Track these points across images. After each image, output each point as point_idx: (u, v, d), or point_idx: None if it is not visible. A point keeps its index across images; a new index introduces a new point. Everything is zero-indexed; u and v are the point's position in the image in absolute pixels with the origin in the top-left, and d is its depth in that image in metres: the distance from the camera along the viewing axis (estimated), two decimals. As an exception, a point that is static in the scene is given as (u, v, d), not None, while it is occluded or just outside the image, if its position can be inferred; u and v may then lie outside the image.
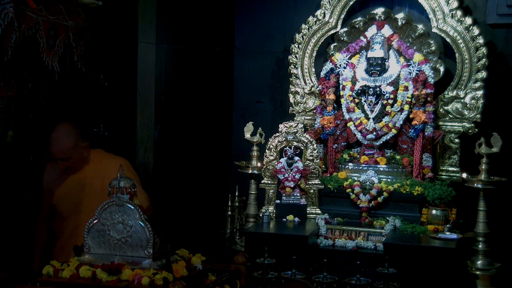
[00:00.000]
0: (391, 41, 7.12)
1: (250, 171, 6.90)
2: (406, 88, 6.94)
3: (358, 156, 7.13)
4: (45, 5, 4.98)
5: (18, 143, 6.18)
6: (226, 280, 4.20)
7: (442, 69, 7.14)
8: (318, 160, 6.88)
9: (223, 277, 4.21)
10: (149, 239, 4.00)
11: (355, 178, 6.86)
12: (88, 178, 5.33)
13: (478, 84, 7.03)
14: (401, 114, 6.97)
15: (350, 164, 7.06)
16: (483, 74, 7.00)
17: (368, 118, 7.04)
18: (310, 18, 7.49)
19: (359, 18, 7.35)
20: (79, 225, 5.20)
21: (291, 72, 7.59)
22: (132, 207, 4.02)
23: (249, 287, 4.37)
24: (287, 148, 6.89)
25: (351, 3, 7.41)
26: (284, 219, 6.72)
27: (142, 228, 4.00)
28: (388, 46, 7.12)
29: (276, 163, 6.89)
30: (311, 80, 7.54)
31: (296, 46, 7.55)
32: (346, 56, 7.25)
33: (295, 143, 6.88)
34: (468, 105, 7.07)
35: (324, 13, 7.45)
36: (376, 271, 5.62)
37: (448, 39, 7.10)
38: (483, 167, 6.35)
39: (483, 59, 6.97)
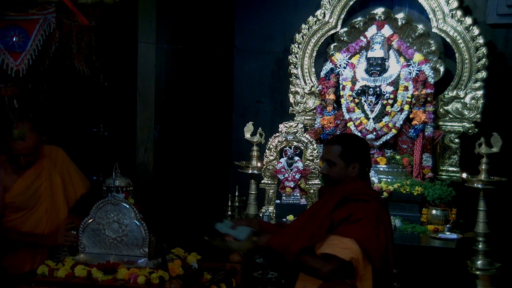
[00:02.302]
0: (391, 41, 7.11)
1: (250, 171, 6.89)
2: (406, 88, 6.94)
3: (358, 156, 7.10)
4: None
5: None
6: (221, 279, 4.19)
7: (442, 69, 7.13)
8: (318, 160, 6.87)
9: (218, 276, 4.21)
10: (144, 238, 3.99)
11: (355, 178, 6.85)
12: (45, 170, 5.42)
13: (478, 84, 7.02)
14: (401, 114, 6.97)
15: (350, 164, 7.04)
16: (483, 74, 6.99)
17: (368, 118, 7.04)
18: (310, 18, 7.49)
19: (359, 18, 7.35)
20: (42, 217, 5.29)
21: (291, 72, 7.60)
22: (128, 206, 4.01)
23: (245, 286, 4.36)
24: (287, 148, 6.88)
25: (351, 3, 7.41)
26: (284, 219, 6.71)
27: (138, 227, 3.99)
28: (388, 46, 7.12)
29: (276, 163, 6.88)
30: (311, 80, 7.54)
31: (296, 46, 7.55)
32: (346, 56, 7.25)
33: (295, 143, 6.88)
34: (468, 105, 7.05)
35: (324, 13, 7.45)
36: (376, 271, 5.60)
37: (448, 39, 7.09)
38: (483, 167, 6.34)
39: (483, 59, 6.96)
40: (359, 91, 7.12)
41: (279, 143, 6.92)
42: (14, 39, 3.68)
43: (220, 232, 4.38)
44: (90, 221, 4.05)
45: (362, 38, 7.25)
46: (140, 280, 3.89)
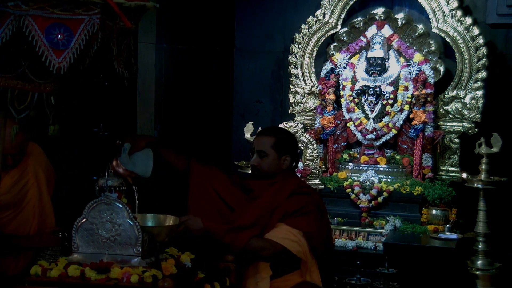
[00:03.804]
0: (391, 41, 7.11)
1: (250, 171, 6.87)
2: (406, 88, 6.93)
3: (358, 156, 7.12)
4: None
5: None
6: (215, 278, 4.19)
7: (442, 69, 7.12)
8: (318, 160, 6.86)
9: (212, 275, 4.20)
10: (137, 237, 3.98)
11: (355, 178, 6.86)
12: (30, 167, 5.42)
13: (478, 84, 7.01)
14: (401, 114, 6.96)
15: (350, 164, 7.06)
16: (483, 74, 6.98)
17: (368, 118, 7.04)
18: (310, 18, 7.49)
19: (359, 18, 7.35)
20: (30, 213, 5.29)
21: (291, 72, 7.60)
22: (121, 206, 4.00)
23: (240, 285, 4.35)
24: (287, 148, 6.87)
25: (351, 3, 7.41)
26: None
27: (131, 226, 3.98)
28: (388, 46, 7.11)
29: (275, 163, 6.87)
30: (311, 80, 7.54)
31: (296, 46, 7.55)
32: (346, 56, 7.25)
33: (295, 143, 6.87)
34: (468, 105, 7.04)
35: (324, 13, 7.45)
36: (376, 271, 5.59)
37: (448, 39, 7.09)
38: (483, 167, 6.32)
39: (483, 59, 6.96)
40: (359, 91, 7.12)
41: (279, 143, 6.91)
42: (59, 37, 3.75)
43: (126, 167, 4.37)
44: (83, 220, 4.04)
45: (362, 38, 7.25)
46: (133, 279, 3.88)
